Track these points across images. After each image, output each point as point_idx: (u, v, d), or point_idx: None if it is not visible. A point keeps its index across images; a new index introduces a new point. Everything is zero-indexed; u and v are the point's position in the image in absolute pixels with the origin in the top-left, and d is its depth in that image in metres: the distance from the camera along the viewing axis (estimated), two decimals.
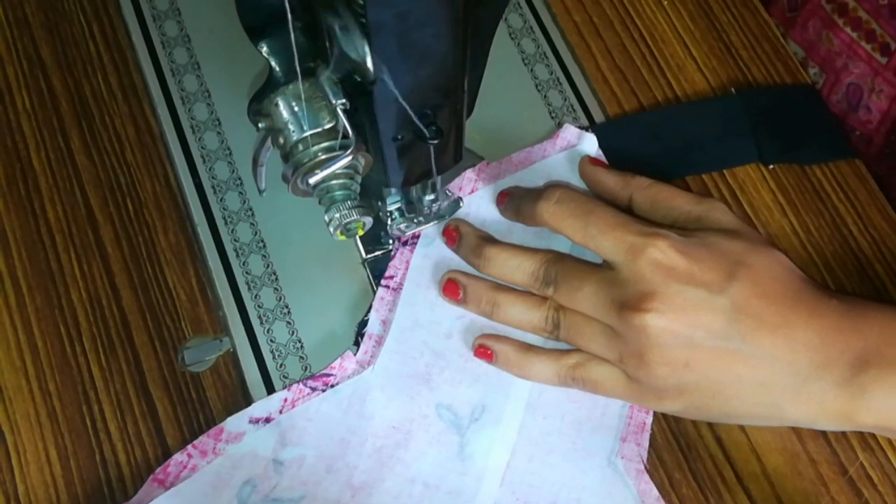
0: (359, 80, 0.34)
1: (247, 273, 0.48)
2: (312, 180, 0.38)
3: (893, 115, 0.55)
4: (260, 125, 0.40)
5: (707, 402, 0.42)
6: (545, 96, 0.54)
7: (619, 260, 0.42)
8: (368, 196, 0.44)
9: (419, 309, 0.47)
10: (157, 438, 0.45)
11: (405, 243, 0.48)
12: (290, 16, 0.32)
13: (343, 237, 0.41)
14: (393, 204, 0.47)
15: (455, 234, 0.48)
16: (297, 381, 0.45)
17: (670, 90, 0.55)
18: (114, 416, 0.45)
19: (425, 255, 0.48)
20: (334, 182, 0.39)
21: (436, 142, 0.37)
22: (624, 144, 0.52)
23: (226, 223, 0.49)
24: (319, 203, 0.40)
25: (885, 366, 0.40)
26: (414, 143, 0.38)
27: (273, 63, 0.38)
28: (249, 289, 0.47)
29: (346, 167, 0.38)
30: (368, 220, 0.40)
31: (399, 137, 0.37)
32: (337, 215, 0.39)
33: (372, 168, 0.40)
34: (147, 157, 0.51)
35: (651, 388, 0.42)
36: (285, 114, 0.38)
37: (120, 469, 0.44)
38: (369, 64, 0.33)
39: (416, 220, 0.47)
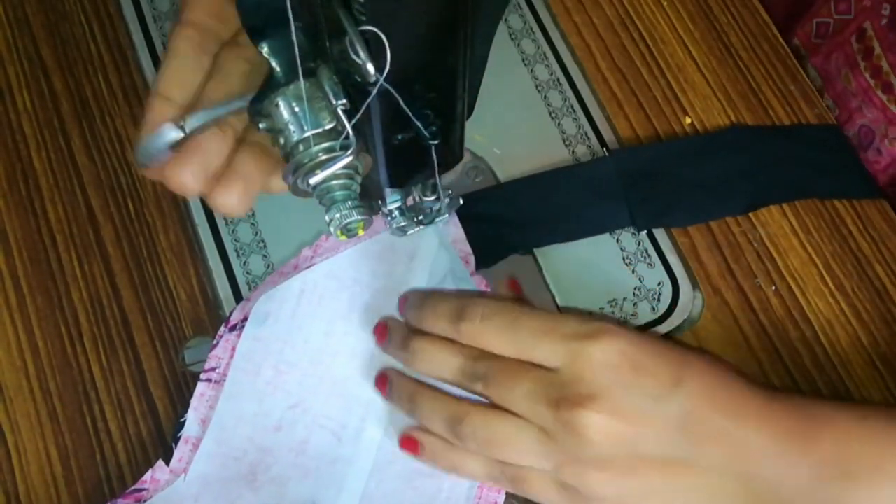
0: (359, 80, 0.34)
1: (247, 273, 0.48)
2: (313, 180, 0.38)
3: None
4: (260, 125, 0.40)
5: None
6: (545, 96, 0.54)
7: (559, 364, 0.39)
8: (368, 196, 0.44)
9: (244, 401, 0.43)
10: (157, 438, 0.45)
11: (232, 328, 0.44)
12: (291, 16, 0.32)
13: (343, 237, 0.41)
14: (393, 203, 0.47)
15: (384, 330, 0.45)
16: (108, 501, 0.43)
17: (670, 90, 0.55)
18: (114, 416, 0.45)
19: (255, 338, 0.44)
20: (335, 182, 0.39)
21: (436, 142, 0.37)
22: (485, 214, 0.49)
23: (226, 223, 0.49)
24: (320, 203, 0.40)
25: (849, 479, 0.37)
26: (414, 144, 0.38)
27: (273, 63, 0.38)
28: (250, 289, 0.47)
29: (347, 167, 0.38)
30: (369, 220, 0.40)
31: (399, 137, 0.37)
32: (337, 215, 0.39)
33: (372, 168, 0.40)
34: None
35: (588, 499, 0.39)
36: (286, 114, 0.38)
37: (120, 469, 0.44)
38: (369, 64, 0.33)
39: (415, 220, 0.47)
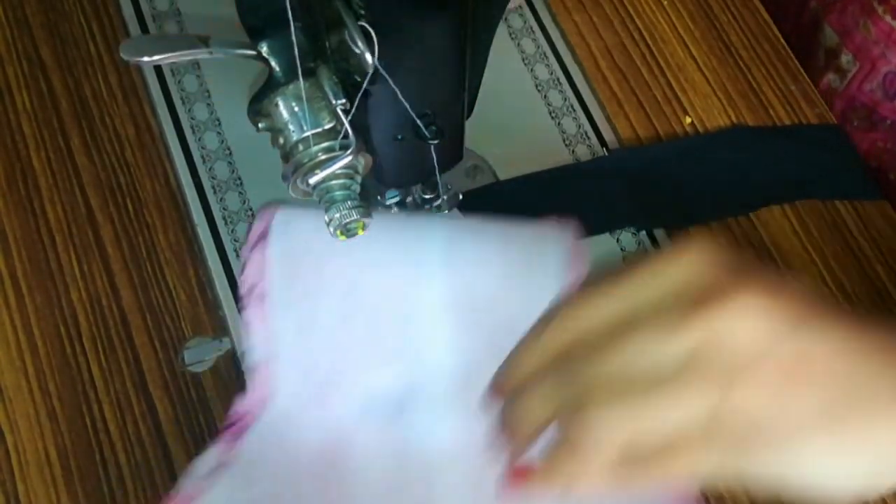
0: (359, 80, 0.34)
1: None
2: (312, 180, 0.38)
3: None
4: (260, 125, 0.40)
5: (838, 430, 0.29)
6: (545, 96, 0.54)
7: (661, 291, 0.30)
8: (368, 195, 0.44)
9: (295, 307, 0.43)
10: (157, 438, 0.45)
11: (254, 246, 0.44)
12: (290, 16, 0.32)
13: (343, 237, 0.41)
14: (392, 199, 0.47)
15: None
16: (211, 441, 0.43)
17: (670, 90, 0.55)
18: (114, 416, 0.45)
19: (283, 249, 0.44)
20: (334, 182, 0.39)
21: (436, 142, 0.37)
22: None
23: (226, 223, 0.49)
24: (319, 203, 0.40)
25: None
26: (414, 143, 0.38)
27: (273, 63, 0.38)
28: None
29: (346, 167, 0.38)
30: (369, 220, 0.40)
31: (399, 137, 0.37)
32: (337, 215, 0.39)
33: (372, 168, 0.40)
34: (147, 157, 0.51)
35: (750, 435, 0.29)
36: (285, 114, 0.38)
37: (120, 469, 0.44)
38: (371, 69, 0.33)
39: None
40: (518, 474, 0.31)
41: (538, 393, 0.31)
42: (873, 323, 0.30)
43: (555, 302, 0.32)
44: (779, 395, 0.29)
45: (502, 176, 0.51)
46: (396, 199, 0.47)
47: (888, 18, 0.55)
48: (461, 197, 0.48)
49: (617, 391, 0.29)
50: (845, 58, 0.59)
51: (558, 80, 0.54)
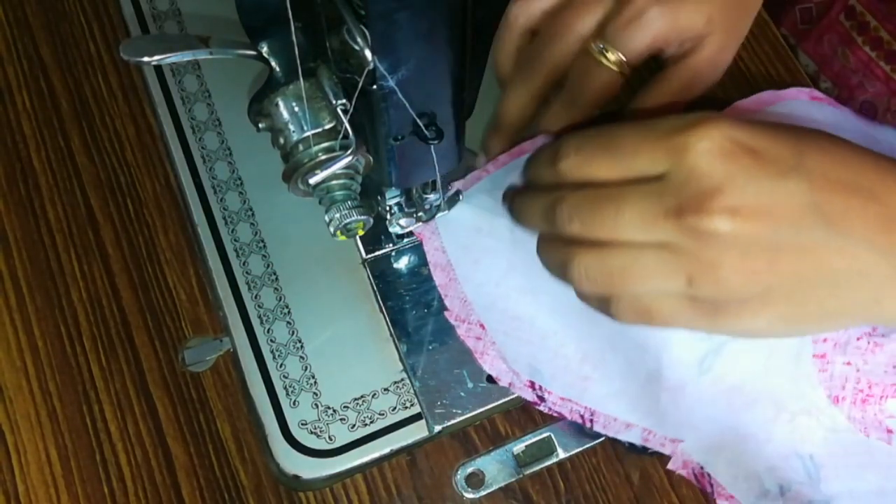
0: (359, 79, 0.34)
1: (247, 273, 0.48)
2: (313, 180, 0.38)
3: None
4: (260, 125, 0.40)
5: (796, 309, 0.35)
6: None
7: (666, 168, 0.34)
8: (368, 194, 0.44)
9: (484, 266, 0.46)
10: (157, 438, 0.45)
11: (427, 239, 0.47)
12: (290, 16, 0.32)
13: (343, 237, 0.41)
14: (392, 199, 0.47)
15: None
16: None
17: None
18: (114, 416, 0.45)
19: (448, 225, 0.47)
20: (334, 182, 0.39)
21: (436, 142, 0.37)
22: None
23: (226, 223, 0.49)
24: (319, 203, 0.40)
25: None
26: (414, 143, 0.38)
27: (273, 63, 0.38)
28: (249, 289, 0.47)
29: (347, 167, 0.38)
30: (369, 220, 0.40)
31: (399, 137, 0.37)
32: (337, 215, 0.39)
33: (372, 168, 0.40)
34: (147, 157, 0.51)
35: (726, 306, 0.35)
36: (285, 114, 0.38)
37: (120, 469, 0.44)
38: (370, 65, 0.33)
39: (416, 216, 0.47)
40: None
41: (539, 203, 0.39)
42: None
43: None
44: (744, 282, 0.34)
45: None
46: (396, 199, 0.47)
47: (867, 49, 0.55)
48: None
49: (608, 267, 0.36)
50: (824, 84, 0.59)
51: None
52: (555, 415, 0.45)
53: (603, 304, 0.37)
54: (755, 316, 0.35)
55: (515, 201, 0.41)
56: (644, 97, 0.44)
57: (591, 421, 0.44)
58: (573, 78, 0.43)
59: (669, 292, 0.35)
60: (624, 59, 0.41)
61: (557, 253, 0.38)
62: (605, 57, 0.41)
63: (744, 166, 0.33)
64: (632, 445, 0.44)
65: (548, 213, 0.38)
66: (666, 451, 0.44)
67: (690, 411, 0.43)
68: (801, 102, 0.48)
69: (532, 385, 0.45)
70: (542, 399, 0.44)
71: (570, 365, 0.45)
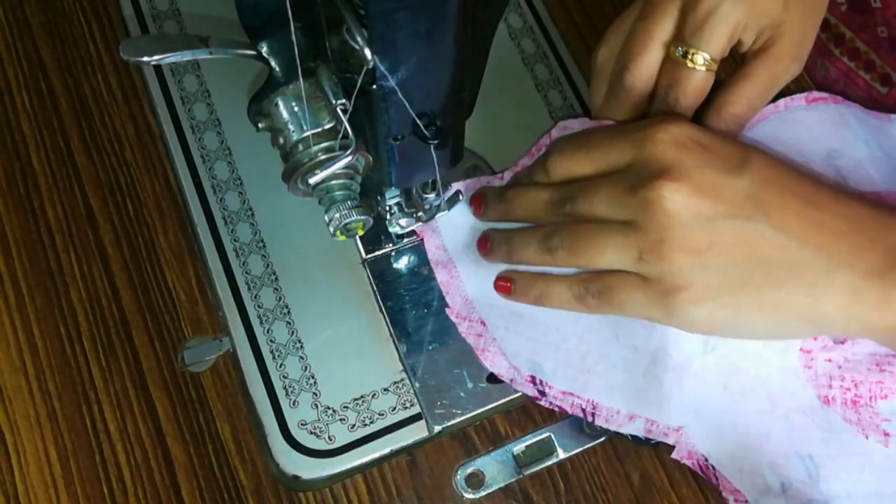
0: (358, 79, 0.34)
1: (247, 273, 0.48)
2: (312, 180, 0.38)
3: None
4: (260, 125, 0.40)
5: (736, 295, 0.38)
6: (545, 96, 0.54)
7: (630, 158, 0.40)
8: (368, 194, 0.44)
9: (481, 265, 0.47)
10: (157, 438, 0.45)
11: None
12: (290, 16, 0.32)
13: (343, 237, 0.41)
14: (392, 199, 0.47)
15: (481, 199, 0.47)
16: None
17: None
18: (114, 416, 0.45)
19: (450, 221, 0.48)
20: (334, 182, 0.39)
21: (436, 142, 0.37)
22: None
23: (226, 223, 0.49)
24: (319, 203, 0.40)
25: None
26: (414, 143, 0.38)
27: (273, 63, 0.38)
28: (249, 289, 0.47)
29: (346, 167, 0.38)
30: (368, 220, 0.40)
31: (399, 137, 0.37)
32: (337, 215, 0.39)
33: (372, 168, 0.40)
34: (147, 157, 0.51)
35: (673, 288, 0.39)
36: (285, 114, 0.38)
37: (120, 469, 0.44)
38: (369, 64, 0.33)
39: (415, 215, 0.47)
40: (501, 286, 0.45)
41: (534, 198, 0.44)
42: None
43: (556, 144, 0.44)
44: (686, 260, 0.38)
45: None
46: (396, 199, 0.47)
47: (846, 59, 0.55)
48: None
49: (576, 234, 0.41)
50: None
51: (558, 79, 0.54)
52: (556, 409, 0.44)
53: (580, 294, 0.42)
54: (699, 303, 0.39)
55: (515, 201, 0.45)
56: (729, 97, 0.44)
57: (594, 415, 0.44)
58: (665, 87, 0.44)
59: (625, 265, 0.40)
60: (708, 56, 0.42)
61: (543, 232, 0.43)
62: (691, 60, 0.42)
63: (694, 156, 0.39)
64: (635, 438, 0.44)
65: (539, 207, 0.43)
66: (669, 440, 0.43)
67: (693, 393, 0.43)
68: (797, 111, 0.48)
69: (533, 380, 0.45)
70: (542, 394, 0.44)
71: (572, 359, 0.45)
